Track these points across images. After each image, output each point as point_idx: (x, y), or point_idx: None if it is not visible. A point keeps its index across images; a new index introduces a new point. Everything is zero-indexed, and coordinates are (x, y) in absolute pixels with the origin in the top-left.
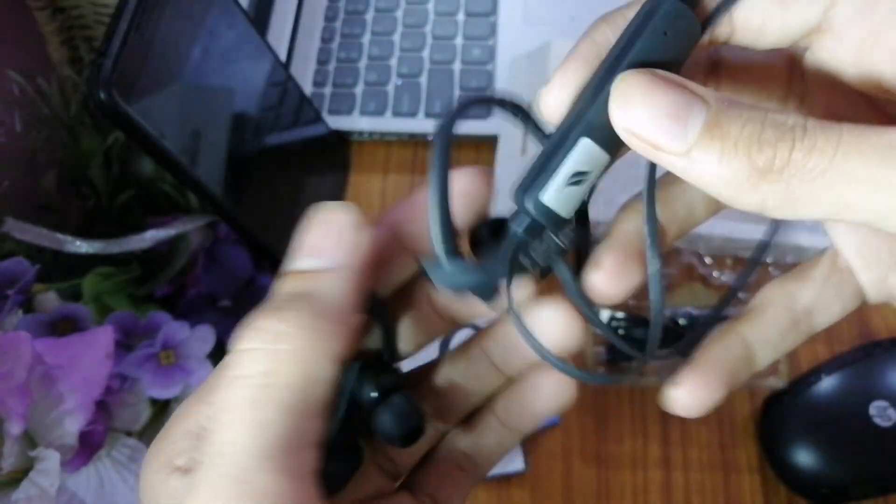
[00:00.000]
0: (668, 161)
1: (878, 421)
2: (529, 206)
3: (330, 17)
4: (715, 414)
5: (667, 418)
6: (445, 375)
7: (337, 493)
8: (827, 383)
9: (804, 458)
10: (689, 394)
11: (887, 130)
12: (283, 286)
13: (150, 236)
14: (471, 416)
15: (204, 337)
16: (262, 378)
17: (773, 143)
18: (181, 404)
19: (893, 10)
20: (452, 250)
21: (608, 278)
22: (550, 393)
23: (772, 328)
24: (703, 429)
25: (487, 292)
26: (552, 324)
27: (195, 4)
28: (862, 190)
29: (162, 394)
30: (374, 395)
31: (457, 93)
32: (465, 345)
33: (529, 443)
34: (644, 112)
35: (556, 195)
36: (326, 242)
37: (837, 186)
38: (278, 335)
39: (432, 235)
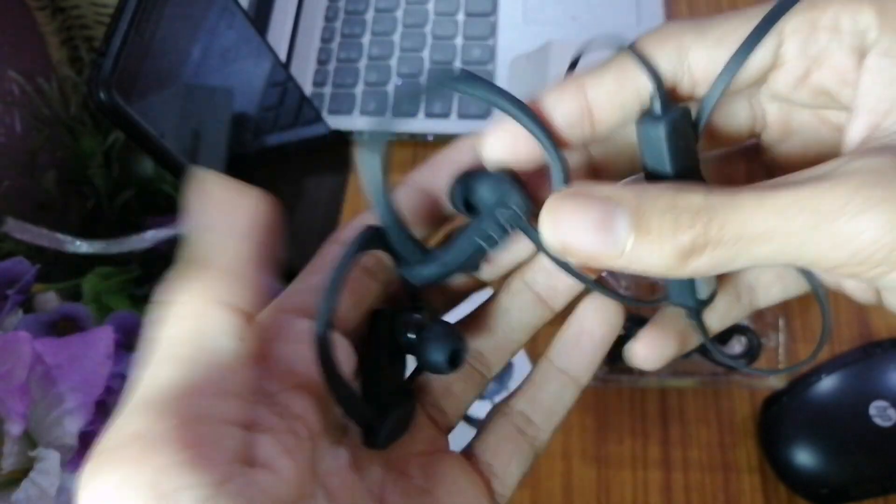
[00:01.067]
0: (609, 265)
1: (878, 421)
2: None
3: (330, 17)
4: (715, 414)
5: (667, 418)
6: (489, 313)
7: (391, 443)
8: (827, 383)
9: (804, 458)
10: (645, 347)
11: (779, 191)
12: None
13: (150, 236)
14: (527, 376)
15: None
16: (157, 342)
17: (690, 226)
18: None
19: (831, 39)
20: (414, 253)
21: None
22: (598, 322)
23: (718, 301)
24: (703, 429)
25: (472, 267)
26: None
27: (195, 4)
28: (775, 244)
29: None
30: (411, 336)
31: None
32: (506, 280)
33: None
34: (573, 231)
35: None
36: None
37: (754, 245)
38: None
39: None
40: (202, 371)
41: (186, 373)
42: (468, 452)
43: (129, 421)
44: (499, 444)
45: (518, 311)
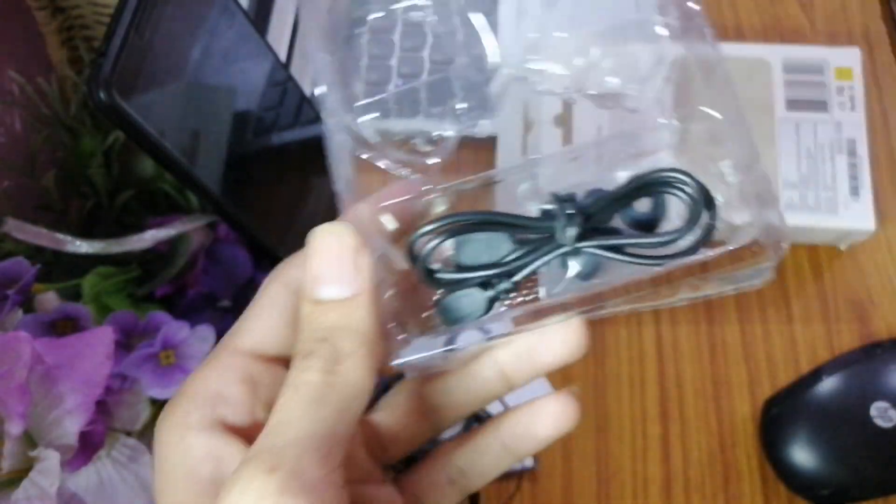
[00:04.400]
0: None
1: (878, 422)
2: None
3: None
4: (715, 414)
5: (667, 418)
6: (452, 374)
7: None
8: (827, 384)
9: (804, 458)
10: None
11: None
12: (324, 317)
13: (150, 236)
14: (471, 431)
15: (204, 337)
16: (320, 387)
17: None
18: (191, 375)
19: None
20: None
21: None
22: (553, 416)
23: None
24: (703, 429)
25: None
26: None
27: (195, 4)
28: None
29: (162, 394)
30: None
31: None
32: (476, 355)
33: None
34: None
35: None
36: (345, 270)
37: None
38: (329, 359)
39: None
40: (349, 428)
41: (343, 426)
42: (400, 482)
43: (295, 453)
44: (430, 487)
45: (480, 381)
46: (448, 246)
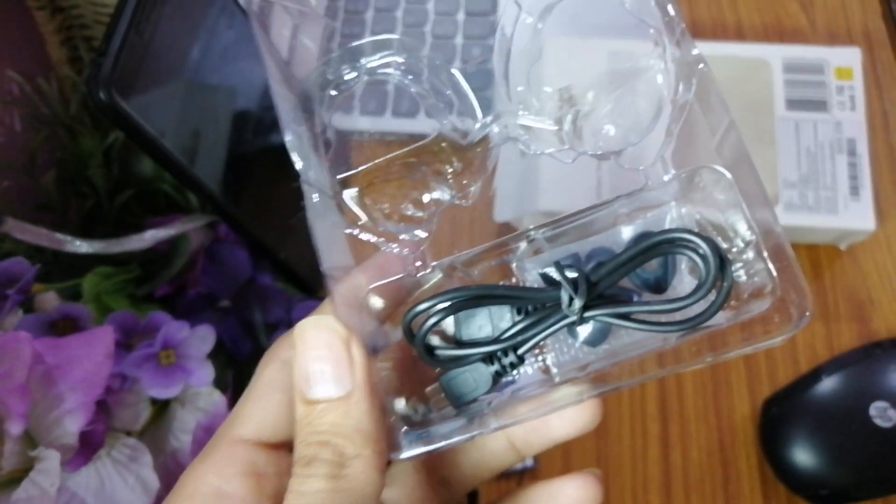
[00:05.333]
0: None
1: (878, 422)
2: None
3: (330, 17)
4: (715, 414)
5: (667, 418)
6: (462, 448)
7: None
8: (827, 384)
9: (804, 458)
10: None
11: None
12: (321, 419)
13: (150, 236)
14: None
15: (204, 337)
16: (327, 494)
17: None
18: (188, 468)
19: None
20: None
21: None
22: (575, 499)
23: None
24: (703, 429)
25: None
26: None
27: (195, 4)
28: None
29: (162, 393)
30: None
31: None
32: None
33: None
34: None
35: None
36: (338, 367)
37: None
38: (334, 464)
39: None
40: None
41: None
42: None
43: None
44: None
45: (490, 454)
46: (446, 321)
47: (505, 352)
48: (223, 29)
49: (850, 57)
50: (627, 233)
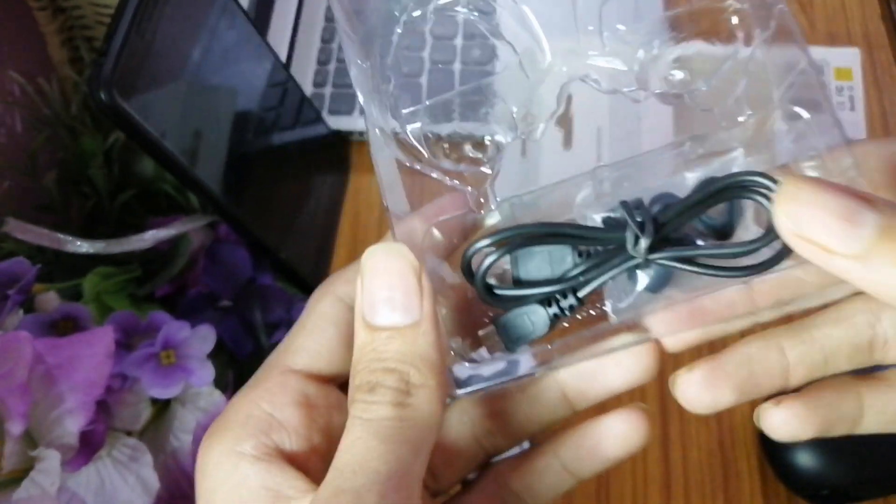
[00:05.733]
0: (841, 267)
1: None
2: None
3: (330, 17)
4: (715, 414)
5: (667, 418)
6: (513, 398)
7: None
8: None
9: (804, 458)
10: (698, 384)
11: None
12: (387, 345)
13: (151, 236)
14: (528, 452)
15: (204, 336)
16: (393, 422)
17: None
18: (236, 395)
19: None
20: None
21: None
22: (622, 435)
23: (835, 341)
24: (703, 429)
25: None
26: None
27: (195, 4)
28: None
29: (162, 393)
30: None
31: None
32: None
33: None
34: (813, 213)
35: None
36: (408, 294)
37: None
38: (399, 391)
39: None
40: (422, 462)
41: (417, 459)
42: None
43: (376, 497)
44: None
45: (541, 406)
46: (504, 260)
47: (564, 294)
48: (224, 29)
49: (849, 58)
50: (692, 179)
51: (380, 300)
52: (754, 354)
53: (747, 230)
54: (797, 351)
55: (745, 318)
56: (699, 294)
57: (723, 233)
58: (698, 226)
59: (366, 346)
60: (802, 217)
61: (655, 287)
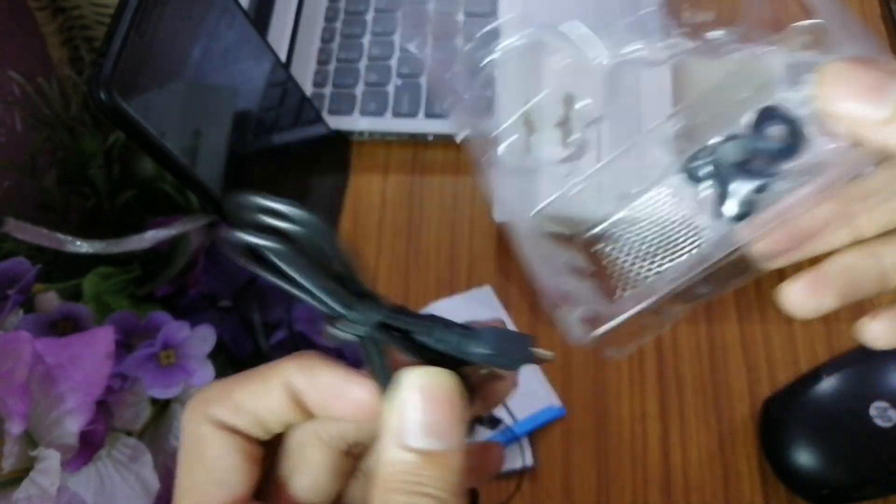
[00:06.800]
0: (871, 135)
1: (878, 422)
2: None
3: (330, 18)
4: (715, 414)
5: (667, 418)
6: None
7: None
8: (827, 384)
9: (804, 458)
10: (802, 292)
11: None
12: (423, 469)
13: (151, 236)
14: None
15: (204, 337)
16: None
17: None
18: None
19: None
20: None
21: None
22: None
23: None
24: (703, 429)
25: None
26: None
27: (195, 4)
28: None
29: (162, 394)
30: None
31: None
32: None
33: (535, 439)
34: (846, 87)
35: None
36: (451, 424)
37: None
38: None
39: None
40: None
41: None
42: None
43: None
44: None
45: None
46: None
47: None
48: (224, 29)
49: None
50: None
51: (420, 423)
52: (851, 263)
53: (815, 143)
54: (892, 257)
55: (839, 226)
56: (787, 214)
57: (788, 154)
58: (760, 154)
59: (397, 464)
60: (834, 96)
61: (741, 216)
